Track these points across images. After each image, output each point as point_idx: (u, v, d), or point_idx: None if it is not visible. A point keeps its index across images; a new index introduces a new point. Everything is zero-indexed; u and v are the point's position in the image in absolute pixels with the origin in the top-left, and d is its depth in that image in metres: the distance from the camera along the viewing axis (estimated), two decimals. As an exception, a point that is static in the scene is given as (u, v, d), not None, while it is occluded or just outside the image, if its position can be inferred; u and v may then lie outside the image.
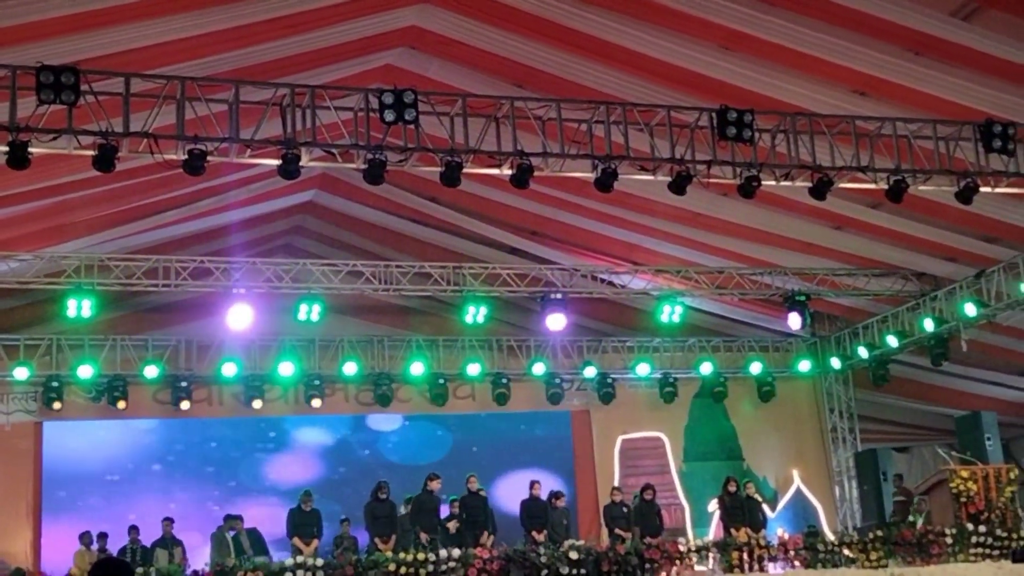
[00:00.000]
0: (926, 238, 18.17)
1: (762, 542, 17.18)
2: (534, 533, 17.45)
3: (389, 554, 15.89)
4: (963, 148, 14.34)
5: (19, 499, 19.34)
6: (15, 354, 19.25)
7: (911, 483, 21.19)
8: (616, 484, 20.04)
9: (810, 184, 14.15)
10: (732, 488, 18.90)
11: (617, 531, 17.98)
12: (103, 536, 17.63)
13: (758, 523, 18.47)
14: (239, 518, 17.91)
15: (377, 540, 17.01)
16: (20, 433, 19.66)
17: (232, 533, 17.52)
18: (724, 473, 20.95)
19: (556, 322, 19.33)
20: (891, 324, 21.20)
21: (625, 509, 18.58)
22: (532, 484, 18.27)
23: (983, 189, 14.49)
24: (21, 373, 19.01)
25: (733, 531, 17.81)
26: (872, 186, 14.52)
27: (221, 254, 18.78)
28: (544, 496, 18.29)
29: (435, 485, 17.74)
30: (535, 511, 17.92)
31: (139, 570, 14.70)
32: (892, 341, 20.93)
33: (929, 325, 19.95)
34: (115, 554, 16.77)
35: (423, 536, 16.96)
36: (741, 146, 13.63)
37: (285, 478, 20.78)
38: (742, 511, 18.56)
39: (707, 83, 14.01)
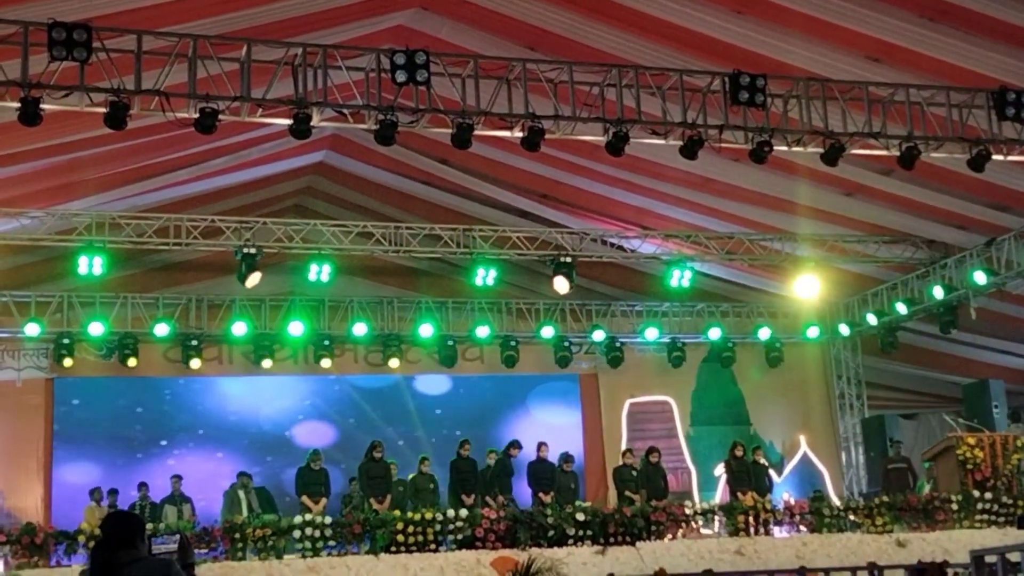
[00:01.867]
0: (937, 205, 18.14)
1: (768, 506, 17.25)
2: (541, 494, 17.54)
3: (397, 513, 15.98)
4: (976, 115, 14.32)
5: (30, 455, 19.48)
6: (26, 311, 19.33)
7: (918, 450, 21.22)
8: (626, 447, 20.02)
9: (822, 150, 14.14)
10: (739, 452, 18.96)
11: (627, 493, 18.05)
12: (113, 492, 17.77)
13: (764, 488, 18.53)
14: (248, 475, 18.03)
15: (372, 500, 17.08)
16: (31, 389, 19.77)
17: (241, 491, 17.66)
18: (731, 438, 21.00)
19: (562, 286, 19.33)
20: (900, 291, 21.19)
21: (635, 472, 18.65)
22: (539, 446, 18.33)
23: (995, 157, 14.47)
24: (32, 329, 19.09)
25: (740, 495, 17.88)
26: (884, 153, 14.50)
27: (232, 213, 18.80)
28: (552, 459, 18.36)
29: (516, 452, 18.13)
30: (543, 473, 17.99)
31: (148, 526, 14.80)
32: (901, 308, 20.92)
33: (939, 292, 19.94)
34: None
35: (501, 498, 17.33)
36: (753, 111, 13.61)
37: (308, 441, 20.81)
38: (748, 476, 18.62)
39: (720, 47, 13.98)
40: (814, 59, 14.12)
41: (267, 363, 20.50)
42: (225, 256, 18.72)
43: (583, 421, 22.50)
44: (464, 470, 17.81)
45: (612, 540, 16.01)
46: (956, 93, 14.27)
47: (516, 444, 18.37)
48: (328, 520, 15.73)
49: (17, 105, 11.67)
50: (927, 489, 18.69)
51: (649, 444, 19.84)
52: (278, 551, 15.24)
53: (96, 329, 19.31)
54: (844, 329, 22.83)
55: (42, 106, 11.72)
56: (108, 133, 12.66)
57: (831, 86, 14.04)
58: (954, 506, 17.47)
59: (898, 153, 14.28)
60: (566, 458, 18.35)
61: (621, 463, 18.86)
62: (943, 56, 13.80)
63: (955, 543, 15.82)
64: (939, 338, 21.47)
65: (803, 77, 14.02)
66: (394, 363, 21.12)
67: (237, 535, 15.20)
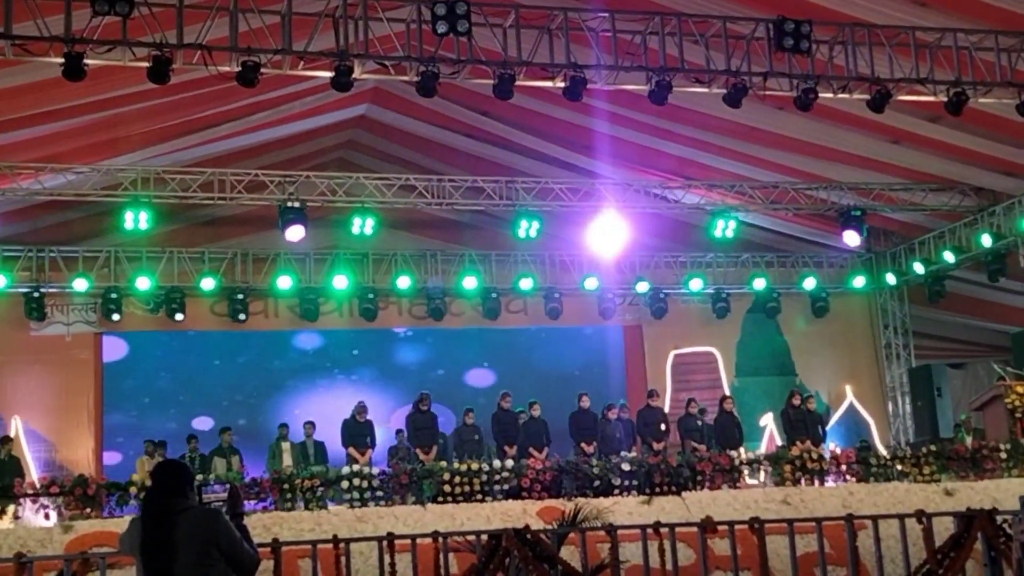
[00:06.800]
0: (985, 152, 17.90)
1: (815, 455, 17.20)
2: (583, 445, 17.59)
3: (443, 463, 16.08)
4: (1025, 60, 14.10)
5: (80, 409, 19.74)
6: (74, 266, 19.54)
7: (966, 399, 21.07)
8: (688, 397, 19.89)
9: (868, 97, 13.99)
10: (796, 401, 18.85)
11: (692, 443, 18.05)
12: (163, 444, 17.99)
13: (819, 437, 18.46)
14: (312, 424, 18.26)
15: (419, 450, 17.23)
16: (80, 344, 20.01)
17: (300, 439, 17.95)
18: (776, 388, 20.96)
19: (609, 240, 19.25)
20: (948, 239, 20.98)
21: (699, 422, 18.63)
22: (580, 396, 18.35)
23: (1045, 102, 14.25)
24: (80, 284, 19.30)
25: (799, 444, 17.77)
26: (931, 99, 14.34)
27: (275, 167, 18.87)
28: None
29: (586, 402, 18.26)
30: (584, 423, 18.03)
31: (198, 476, 14.98)
32: (948, 257, 20.73)
33: (986, 241, 19.74)
34: (174, 461, 17.08)
35: (585, 447, 17.51)
36: (798, 58, 13.48)
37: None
38: (805, 424, 18.54)
39: (764, -7, 13.81)
40: (860, 4, 13.93)
41: (312, 317, 20.61)
42: (269, 210, 18.82)
43: (627, 372, 22.50)
44: (505, 422, 17.90)
45: (658, 490, 16.05)
46: (1005, 37, 14.06)
47: (584, 394, 18.42)
48: (375, 470, 15.87)
49: (61, 60, 11.74)
50: (968, 440, 18.57)
51: (693, 395, 19.84)
52: (324, 501, 15.40)
53: (143, 284, 19.49)
54: (891, 278, 22.66)
55: (85, 61, 11.79)
56: (151, 88, 12.72)
57: (877, 31, 13.86)
58: (1003, 455, 17.34)
59: (945, 99, 14.12)
60: (609, 407, 18.37)
61: (685, 413, 18.85)
62: (991, 0, 13.57)
63: (1004, 492, 15.71)
64: (987, 287, 21.26)
65: (848, 23, 13.84)
66: (438, 316, 21.17)
67: (286, 486, 15.36)
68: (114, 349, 20.45)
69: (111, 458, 19.56)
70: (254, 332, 21.03)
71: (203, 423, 19.90)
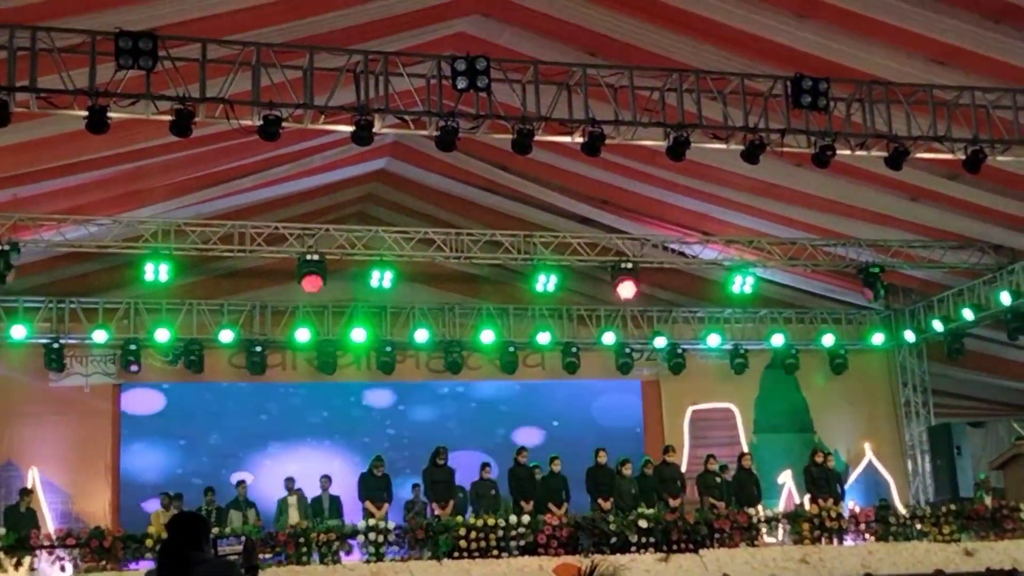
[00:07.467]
0: (1004, 210, 17.88)
1: (833, 513, 17.08)
2: (600, 501, 17.52)
3: (460, 519, 16.03)
4: (1043, 118, 14.11)
5: (98, 459, 19.73)
6: (94, 317, 19.61)
7: (986, 459, 20.95)
8: (708, 453, 19.83)
9: (885, 154, 14.00)
10: (819, 459, 18.76)
11: (711, 500, 17.95)
12: (179, 496, 18.00)
13: (838, 495, 18.37)
14: (327, 477, 18.25)
15: (435, 505, 17.17)
16: (99, 395, 20.04)
17: (316, 493, 17.97)
18: (794, 446, 20.83)
19: (627, 290, 19.28)
20: (967, 297, 20.89)
21: (718, 479, 18.54)
22: (597, 452, 18.32)
23: (1063, 159, 14.26)
24: (100, 336, 19.36)
25: (821, 501, 17.65)
26: (949, 156, 14.34)
27: (295, 221, 18.96)
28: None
29: (603, 457, 18.33)
30: (601, 479, 17.97)
31: (214, 529, 14.97)
32: (968, 314, 20.64)
33: (1006, 298, 19.65)
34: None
35: (602, 503, 17.51)
36: (816, 115, 13.50)
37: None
38: (828, 482, 18.44)
39: (782, 51, 13.87)
40: (877, 62, 13.97)
41: (329, 370, 20.61)
42: (288, 263, 18.86)
43: (644, 428, 22.43)
44: (522, 477, 17.86)
45: (675, 547, 15.95)
46: (1022, 96, 14.08)
47: (601, 449, 18.48)
48: (391, 525, 15.83)
49: (85, 113, 11.86)
50: (987, 500, 18.43)
51: (711, 451, 19.78)
52: (339, 555, 15.36)
53: (162, 335, 19.53)
54: (910, 336, 22.57)
55: (109, 114, 11.91)
56: (173, 141, 12.83)
57: (895, 89, 13.90)
58: (1023, 515, 17.21)
59: (963, 157, 14.11)
60: (623, 462, 18.31)
61: (704, 469, 18.77)
62: (1009, 58, 13.60)
63: (1024, 552, 15.61)
64: (1007, 344, 21.17)
65: (866, 80, 13.89)
66: (455, 370, 21.16)
67: (301, 539, 15.32)
68: (132, 400, 20.45)
69: (128, 510, 19.49)
70: (276, 384, 21.05)
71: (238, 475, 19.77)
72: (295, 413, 21.26)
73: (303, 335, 20.17)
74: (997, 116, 14.13)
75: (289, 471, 18.87)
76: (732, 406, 22.61)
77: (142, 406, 20.62)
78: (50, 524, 17.94)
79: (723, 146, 13.86)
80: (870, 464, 22.79)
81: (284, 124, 12.54)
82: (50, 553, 15.28)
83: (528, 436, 21.52)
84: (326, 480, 18.28)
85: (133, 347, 19.65)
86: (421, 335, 20.65)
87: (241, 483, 18.30)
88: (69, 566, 15.23)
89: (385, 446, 20.41)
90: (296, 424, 21.16)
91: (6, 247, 16.84)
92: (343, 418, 21.47)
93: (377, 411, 21.78)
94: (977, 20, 13.08)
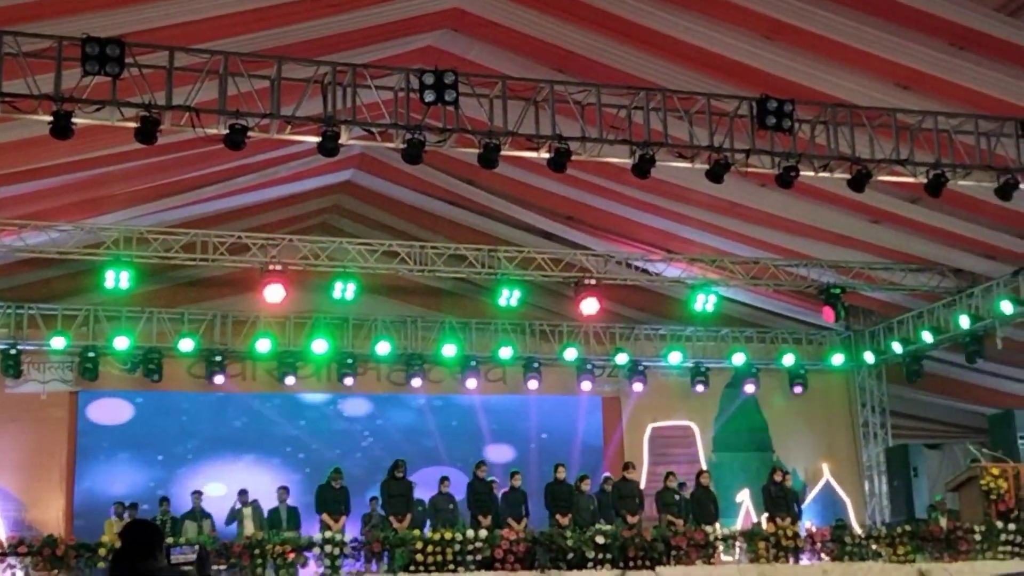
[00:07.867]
0: (964, 234, 18.06)
1: (790, 532, 17.15)
2: (558, 516, 17.50)
3: (416, 532, 15.98)
4: (1004, 144, 14.28)
5: (52, 468, 19.55)
6: (52, 323, 19.43)
7: (942, 480, 21.07)
8: (667, 471, 19.83)
9: (849, 176, 14.10)
10: (778, 478, 18.78)
11: (669, 518, 17.95)
12: (133, 506, 17.86)
13: (795, 514, 18.43)
14: (285, 488, 18.18)
15: (392, 518, 17.10)
16: (55, 402, 19.86)
17: (272, 506, 17.88)
18: (754, 464, 20.88)
19: (589, 307, 19.31)
20: (926, 320, 21.08)
21: (677, 496, 18.55)
22: (556, 467, 18.30)
23: (1023, 186, 14.39)
24: (58, 342, 19.19)
25: (779, 520, 17.71)
26: (911, 180, 14.46)
27: (259, 230, 18.88)
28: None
29: (562, 472, 18.22)
30: (560, 495, 17.95)
31: (169, 539, 14.85)
32: (927, 337, 20.81)
33: (965, 322, 19.82)
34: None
35: (560, 518, 17.35)
36: (780, 136, 13.59)
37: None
38: (786, 501, 18.50)
39: (748, 72, 13.97)
40: (842, 85, 14.10)
41: (290, 380, 20.51)
42: (251, 273, 18.78)
43: (604, 445, 22.44)
44: (480, 491, 17.82)
45: (632, 564, 15.95)
46: (984, 121, 14.23)
47: (560, 464, 18.44)
48: (348, 537, 15.75)
49: (49, 119, 11.76)
50: (942, 521, 18.56)
51: (670, 469, 19.79)
52: (295, 568, 15.27)
53: (121, 343, 19.38)
54: (869, 357, 22.73)
55: (74, 120, 11.82)
56: (138, 148, 12.74)
57: (859, 112, 14.01)
58: (977, 536, 17.33)
59: (925, 181, 14.24)
60: (582, 478, 18.31)
61: (663, 487, 18.78)
62: (972, 84, 13.77)
63: (977, 574, 15.74)
64: (965, 368, 21.35)
65: (831, 103, 14.00)
66: (416, 383, 21.10)
67: (256, 551, 15.22)
68: (89, 408, 20.25)
69: (81, 519, 19.25)
70: (232, 395, 20.89)
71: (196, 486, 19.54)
72: (259, 425, 21.05)
73: (264, 345, 20.06)
74: (959, 141, 14.27)
75: (247, 483, 18.73)
76: (692, 424, 22.69)
77: (108, 416, 20.38)
78: (2, 532, 17.74)
79: (688, 165, 13.91)
80: (828, 484, 22.92)
81: (250, 133, 12.48)
82: (1, 561, 15.08)
83: (500, 453, 21.48)
84: (283, 491, 18.21)
85: (92, 354, 19.48)
86: (383, 347, 20.59)
87: (197, 493, 18.15)
88: (21, 574, 15.04)
89: (339, 456, 20.31)
90: (259, 436, 20.96)
91: (-35, 252, 16.66)
92: (308, 430, 21.28)
93: (344, 421, 21.58)
94: (941, 46, 13.23)
